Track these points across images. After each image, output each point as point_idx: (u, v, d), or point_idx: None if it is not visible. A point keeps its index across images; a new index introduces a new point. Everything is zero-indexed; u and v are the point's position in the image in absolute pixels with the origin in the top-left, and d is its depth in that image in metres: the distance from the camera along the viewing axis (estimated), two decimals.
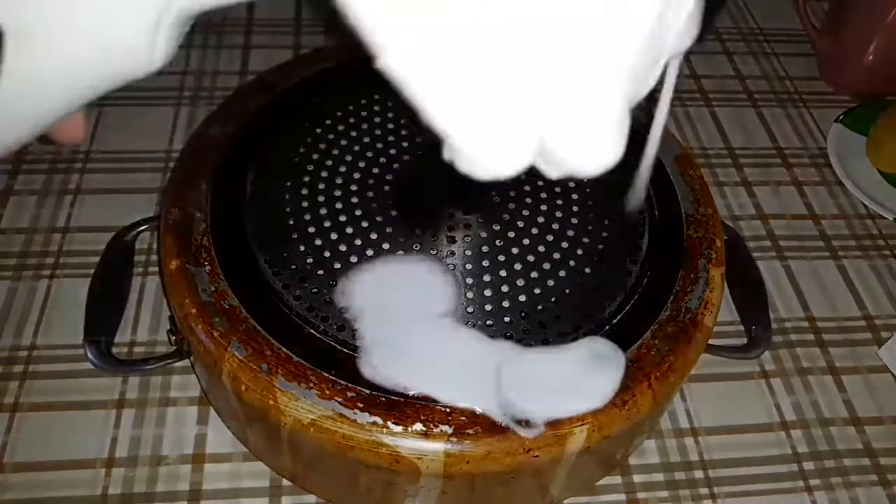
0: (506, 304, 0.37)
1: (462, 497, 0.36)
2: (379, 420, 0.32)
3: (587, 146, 0.20)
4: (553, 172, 0.21)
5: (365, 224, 0.39)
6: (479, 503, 0.36)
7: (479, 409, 0.33)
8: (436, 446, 0.32)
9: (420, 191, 0.41)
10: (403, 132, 0.44)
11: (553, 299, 0.37)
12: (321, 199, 0.40)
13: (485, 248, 0.39)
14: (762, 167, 0.62)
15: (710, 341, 0.39)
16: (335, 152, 0.42)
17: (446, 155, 0.20)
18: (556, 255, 0.39)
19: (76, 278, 0.48)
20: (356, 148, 0.43)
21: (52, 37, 0.18)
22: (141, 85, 0.20)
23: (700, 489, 0.43)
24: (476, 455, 0.32)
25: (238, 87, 0.61)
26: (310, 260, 0.37)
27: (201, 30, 0.67)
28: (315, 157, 0.42)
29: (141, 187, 0.54)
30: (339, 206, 0.40)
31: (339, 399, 0.33)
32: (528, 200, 0.41)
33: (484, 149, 0.19)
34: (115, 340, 0.44)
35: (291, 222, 0.39)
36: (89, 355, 0.42)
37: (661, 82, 0.22)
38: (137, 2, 0.18)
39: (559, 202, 0.41)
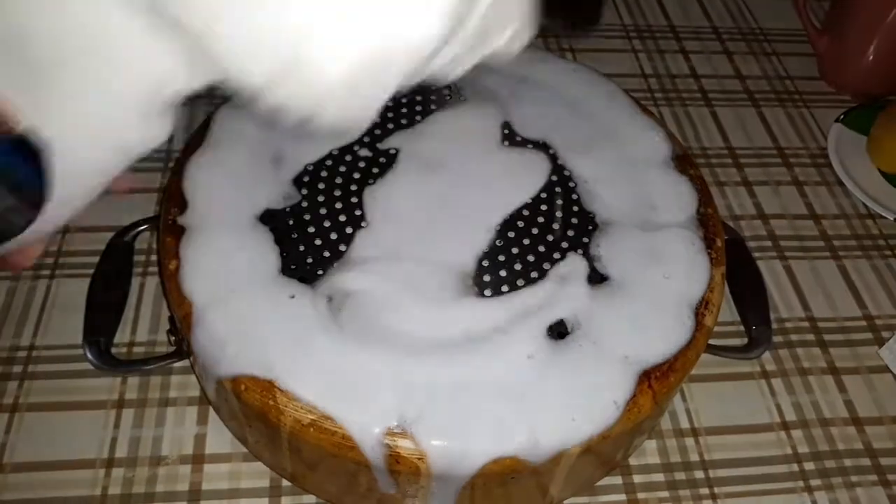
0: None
1: (462, 497, 0.35)
2: None
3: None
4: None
5: (364, 224, 0.39)
6: (478, 503, 0.36)
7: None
8: None
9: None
10: (404, 132, 0.44)
11: None
12: (321, 199, 0.40)
13: (485, 248, 0.39)
14: (762, 167, 0.62)
15: (711, 341, 0.38)
16: (335, 152, 0.42)
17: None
18: (556, 255, 0.39)
19: (76, 278, 0.48)
20: (356, 148, 0.43)
21: (81, 130, 0.23)
22: None
23: (700, 489, 0.43)
24: None
25: None
26: (309, 260, 0.37)
27: None
28: (315, 156, 0.42)
29: (141, 187, 0.54)
30: (338, 206, 0.40)
31: None
32: (529, 200, 0.41)
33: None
34: (115, 340, 0.44)
35: (291, 222, 0.39)
36: (89, 355, 0.42)
37: None
38: (131, 97, 0.22)
39: (559, 202, 0.41)
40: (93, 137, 0.23)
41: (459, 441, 0.32)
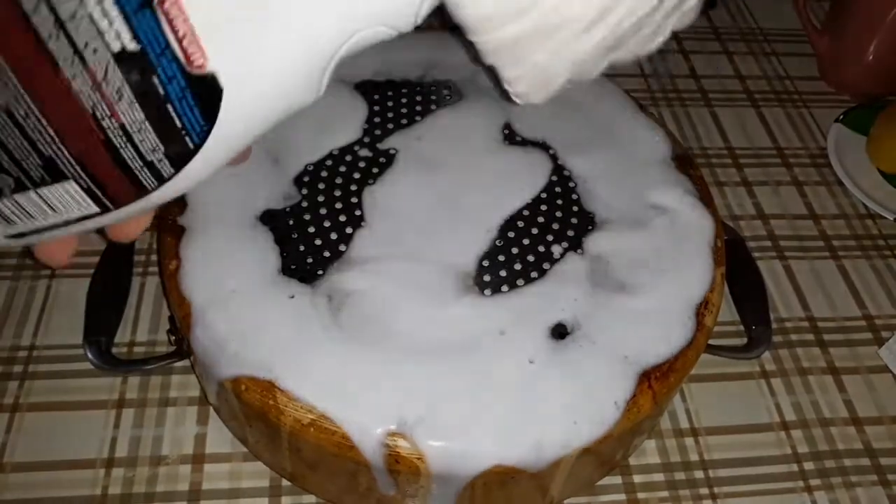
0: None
1: (462, 498, 0.35)
2: None
3: None
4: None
5: (364, 224, 0.39)
6: None
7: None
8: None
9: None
10: (404, 132, 0.44)
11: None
12: (321, 199, 0.40)
13: (485, 248, 0.39)
14: (762, 167, 0.62)
15: (710, 341, 0.39)
16: (335, 152, 0.42)
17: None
18: (556, 255, 0.39)
19: (76, 278, 0.48)
20: (356, 147, 0.43)
21: (256, 79, 0.21)
22: None
23: (700, 489, 0.43)
24: None
25: None
26: (309, 260, 0.37)
27: None
28: (315, 156, 0.42)
29: None
30: (338, 205, 0.40)
31: None
32: (529, 200, 0.41)
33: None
34: (115, 340, 0.44)
35: (291, 222, 0.39)
36: (89, 355, 0.42)
37: None
38: (318, 52, 0.21)
39: (559, 202, 0.41)
40: (268, 89, 0.21)
41: (459, 442, 0.32)
